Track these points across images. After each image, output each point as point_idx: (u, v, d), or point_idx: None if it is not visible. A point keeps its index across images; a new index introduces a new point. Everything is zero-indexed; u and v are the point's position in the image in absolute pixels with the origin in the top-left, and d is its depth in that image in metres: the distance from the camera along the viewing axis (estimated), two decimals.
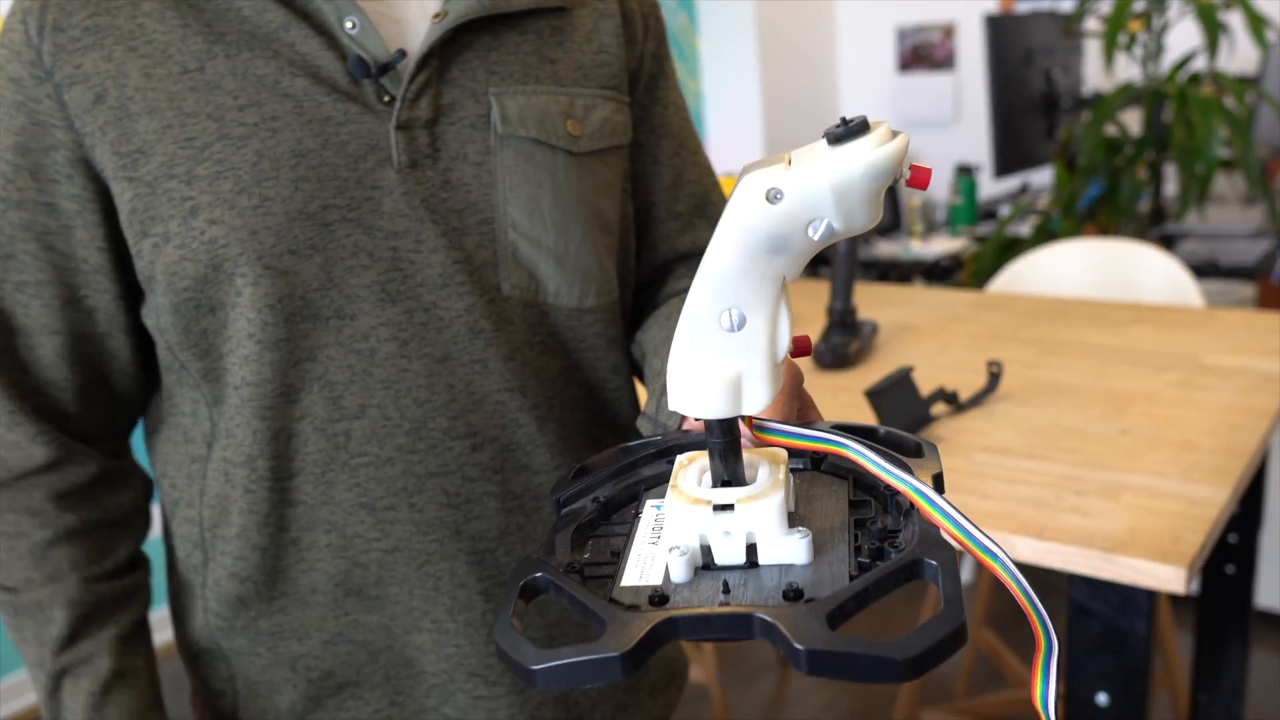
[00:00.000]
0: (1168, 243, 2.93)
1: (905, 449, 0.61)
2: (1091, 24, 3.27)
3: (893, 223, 4.07)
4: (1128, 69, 3.30)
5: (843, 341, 1.66)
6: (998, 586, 2.75)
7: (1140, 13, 2.73)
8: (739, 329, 0.51)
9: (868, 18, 4.38)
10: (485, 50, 0.78)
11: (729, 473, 0.54)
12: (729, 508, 0.52)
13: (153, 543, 2.42)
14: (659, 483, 0.61)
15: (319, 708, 0.81)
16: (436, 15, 0.76)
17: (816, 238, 0.48)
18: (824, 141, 0.49)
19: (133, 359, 0.80)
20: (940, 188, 4.24)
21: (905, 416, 1.35)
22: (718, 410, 0.52)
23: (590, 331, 0.83)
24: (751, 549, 0.52)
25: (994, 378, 1.46)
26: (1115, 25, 2.64)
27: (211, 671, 0.83)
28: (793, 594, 0.50)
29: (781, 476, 0.54)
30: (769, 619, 0.47)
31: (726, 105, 4.21)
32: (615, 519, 0.59)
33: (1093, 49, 3.47)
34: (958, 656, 2.55)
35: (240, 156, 0.72)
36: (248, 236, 0.72)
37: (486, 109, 0.77)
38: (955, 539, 0.49)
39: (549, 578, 0.52)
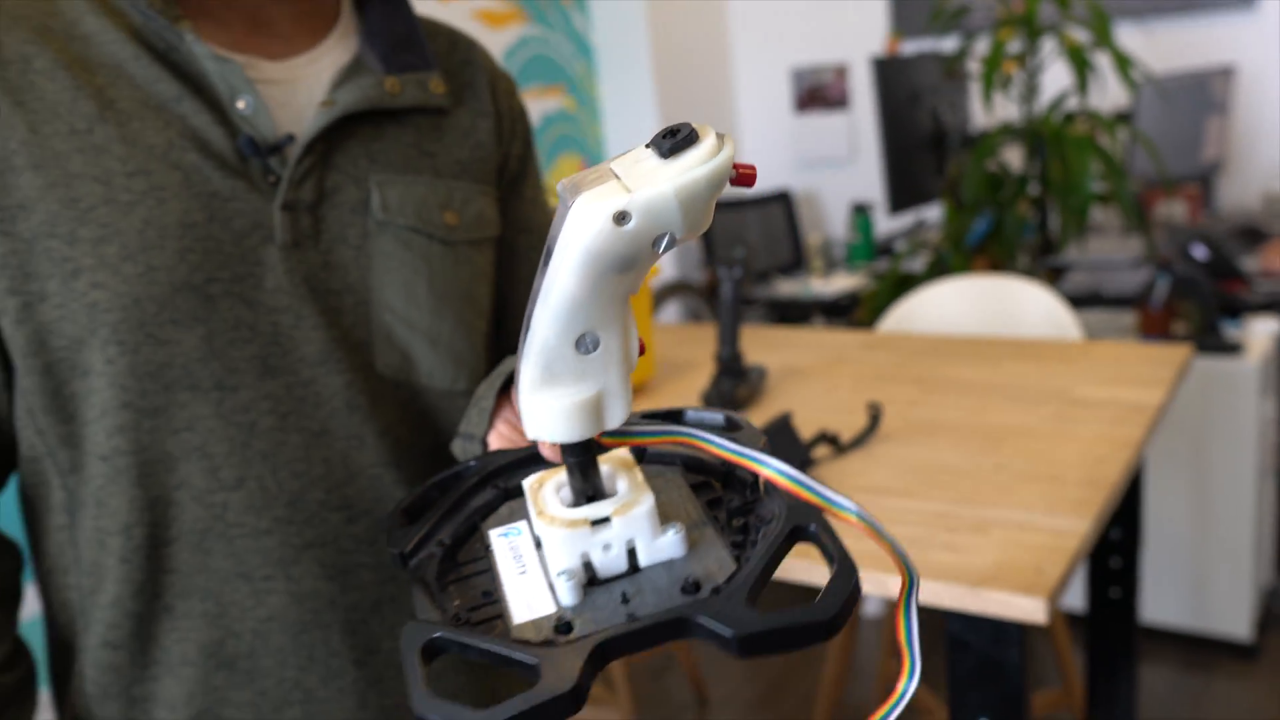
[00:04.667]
0: (1056, 274, 3.03)
1: (714, 427, 0.62)
2: (973, 65, 3.39)
3: (794, 261, 4.15)
4: (1009, 107, 3.42)
5: (730, 386, 1.70)
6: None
7: (1016, 54, 2.84)
8: (593, 350, 0.52)
9: (763, 60, 4.48)
10: (367, 140, 0.82)
11: (591, 488, 0.55)
12: (606, 522, 0.53)
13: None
14: (490, 511, 0.62)
15: None
16: (325, 102, 0.79)
17: (661, 250, 0.49)
18: (651, 153, 0.49)
19: (8, 416, 0.78)
20: (838, 226, 4.33)
21: (785, 461, 1.38)
22: (580, 433, 0.53)
23: (461, 414, 0.85)
24: (632, 554, 0.54)
25: (874, 419, 1.51)
26: (992, 66, 2.74)
27: None
28: (691, 587, 0.52)
29: (640, 479, 0.56)
30: (697, 617, 0.48)
31: (626, 150, 4.25)
32: (463, 558, 0.59)
33: (976, 87, 3.59)
34: (869, 687, 2.59)
35: (127, 222, 0.72)
36: (131, 304, 0.72)
37: (367, 195, 0.80)
38: (810, 500, 0.52)
39: (448, 636, 0.51)
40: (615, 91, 4.27)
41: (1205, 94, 3.42)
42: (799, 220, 4.30)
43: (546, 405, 0.52)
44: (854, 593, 0.48)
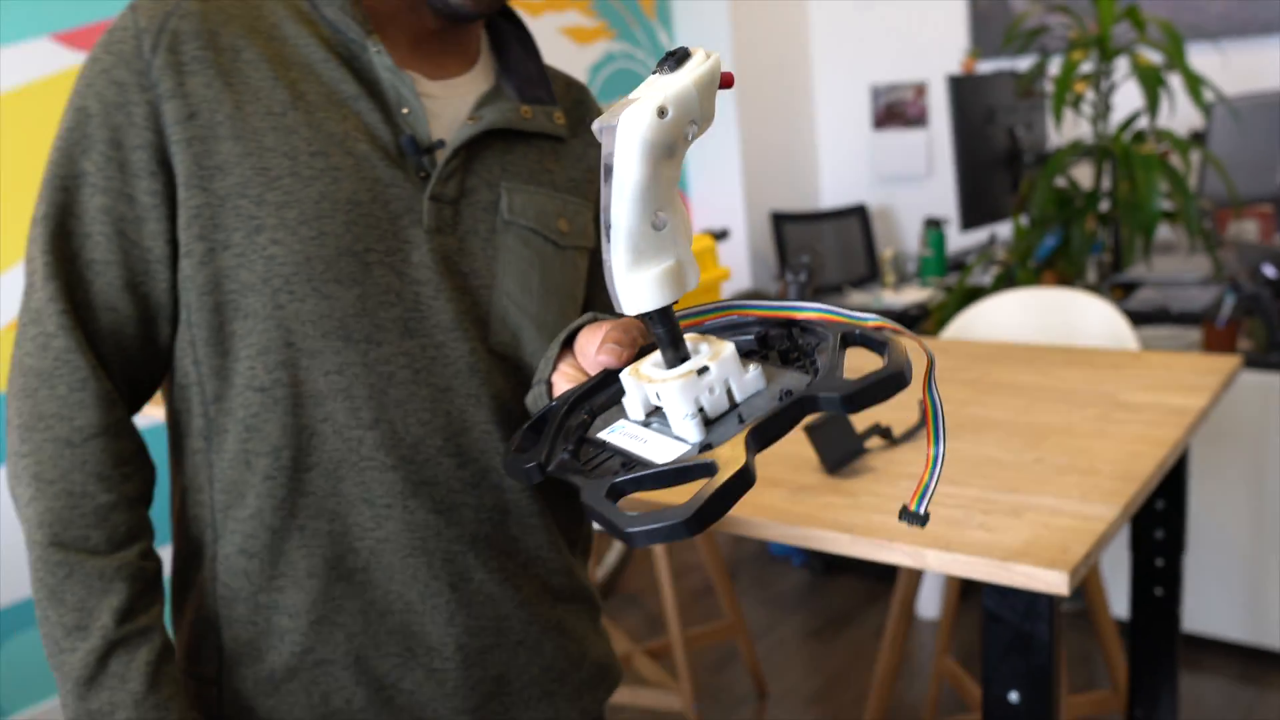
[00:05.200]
0: (1126, 290, 3.08)
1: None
2: (1049, 84, 3.45)
3: (869, 274, 4.23)
4: (1083, 125, 3.47)
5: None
6: (959, 622, 2.87)
7: (1088, 74, 2.91)
8: (664, 228, 0.65)
9: (843, 77, 4.58)
10: (501, 153, 0.98)
11: (680, 354, 0.68)
12: (706, 370, 0.66)
13: None
14: (587, 428, 0.75)
15: (294, 678, 0.94)
16: (471, 118, 0.96)
17: (690, 138, 0.63)
18: (658, 75, 0.64)
19: (168, 348, 0.93)
20: (911, 240, 4.41)
21: (841, 449, 1.49)
22: (672, 296, 0.66)
23: None
24: (730, 394, 0.67)
25: (924, 414, 1.61)
26: (1063, 86, 2.81)
27: (203, 640, 0.96)
28: (786, 395, 0.65)
29: (715, 338, 0.70)
30: (815, 394, 0.62)
31: (708, 163, 4.38)
32: (584, 459, 0.72)
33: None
34: (924, 686, 2.67)
35: (306, 193, 0.88)
36: (303, 261, 0.88)
37: (497, 198, 0.96)
38: (843, 321, 0.67)
39: (623, 478, 0.64)
40: None
41: None
42: (874, 234, 4.38)
43: (641, 280, 0.65)
44: (907, 357, 0.62)
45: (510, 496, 0.97)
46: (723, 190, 4.36)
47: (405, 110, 0.93)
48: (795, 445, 1.59)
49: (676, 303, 0.68)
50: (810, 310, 0.68)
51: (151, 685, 0.87)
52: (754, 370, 0.67)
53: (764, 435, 0.62)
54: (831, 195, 4.70)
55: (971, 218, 3.30)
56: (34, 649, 2.66)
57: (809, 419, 1.58)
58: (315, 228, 0.88)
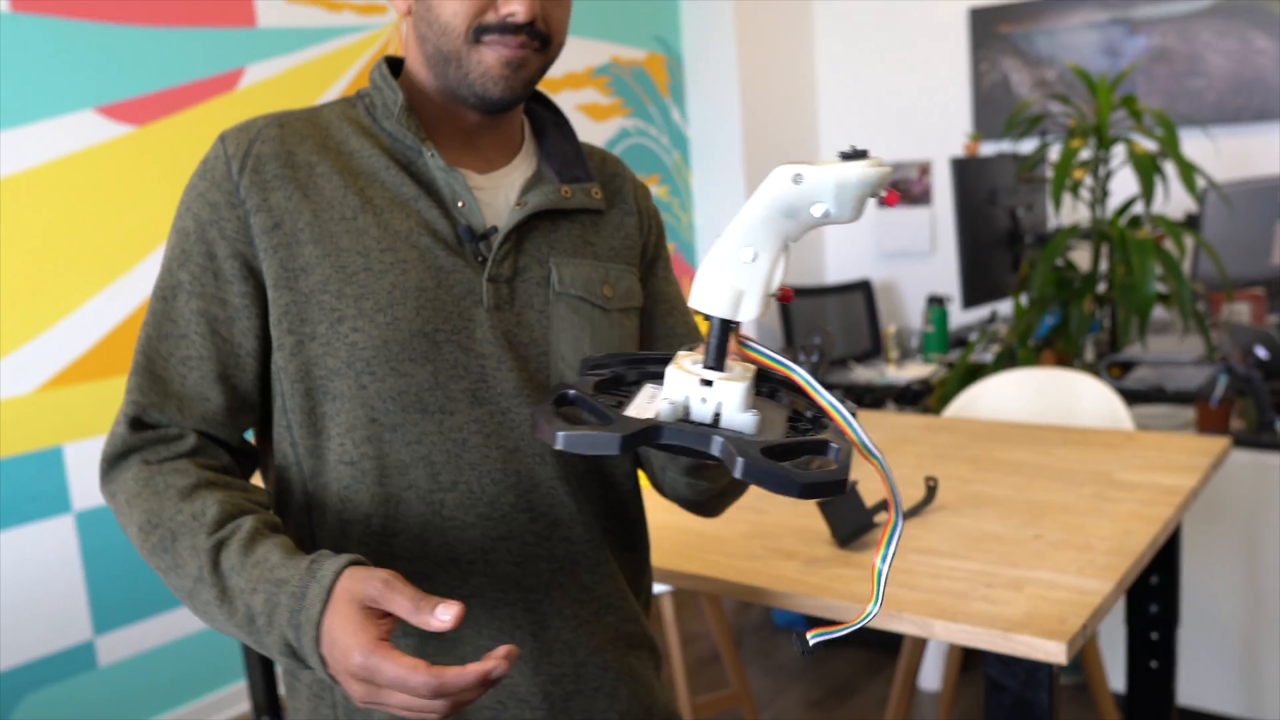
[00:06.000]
0: (1124, 369, 3.17)
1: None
2: (1048, 168, 3.57)
3: (873, 349, 4.33)
4: (1081, 209, 3.59)
5: (806, 460, 1.88)
6: (959, 693, 2.92)
7: (1086, 160, 3.02)
8: (752, 262, 0.74)
9: None
10: (547, 231, 1.09)
11: (716, 361, 0.77)
12: (709, 383, 0.75)
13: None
14: (651, 377, 0.85)
15: None
16: (518, 204, 1.07)
17: (817, 215, 0.72)
18: (837, 158, 0.72)
19: (245, 428, 1.04)
20: (914, 316, 4.51)
21: (851, 522, 1.57)
22: (717, 310, 0.75)
23: None
24: (717, 416, 0.75)
25: (930, 491, 1.69)
26: (1062, 172, 2.92)
27: (320, 699, 1.03)
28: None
29: (749, 377, 0.78)
30: (725, 439, 0.69)
31: (717, 236, 4.48)
32: (623, 389, 0.82)
33: None
34: None
35: (380, 285, 0.99)
36: (380, 345, 0.98)
37: (548, 273, 1.07)
38: (853, 441, 0.74)
39: (576, 393, 0.75)
40: (707, 182, 4.52)
41: (1277, 200, 3.54)
42: (878, 310, 4.49)
43: (709, 284, 0.75)
44: (834, 485, 0.69)
45: (579, 547, 1.05)
46: None
47: (460, 204, 1.04)
48: (808, 519, 1.67)
49: (736, 326, 0.77)
50: (840, 417, 0.75)
51: (246, 552, 0.90)
52: (750, 416, 0.74)
53: (657, 436, 0.72)
54: (836, 270, 4.81)
55: (973, 296, 3.40)
56: (37, 710, 2.71)
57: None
58: (389, 314, 0.99)
